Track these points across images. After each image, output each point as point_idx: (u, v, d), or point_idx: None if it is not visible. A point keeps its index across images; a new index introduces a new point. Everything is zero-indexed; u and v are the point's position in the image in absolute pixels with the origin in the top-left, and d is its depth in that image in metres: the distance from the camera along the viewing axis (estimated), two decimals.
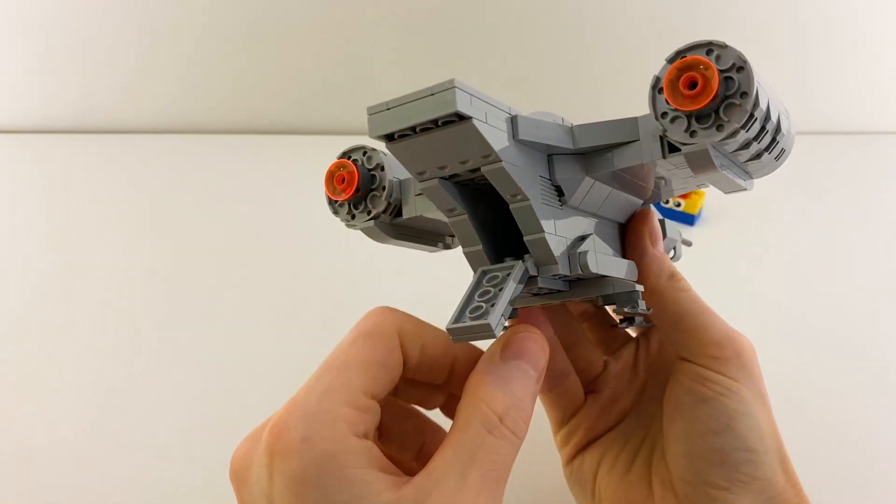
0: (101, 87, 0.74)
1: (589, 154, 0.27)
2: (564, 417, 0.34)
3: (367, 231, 0.30)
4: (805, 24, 0.71)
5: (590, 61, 0.73)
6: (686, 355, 0.29)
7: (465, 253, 0.26)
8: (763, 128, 0.25)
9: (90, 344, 0.49)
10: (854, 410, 0.44)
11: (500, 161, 0.23)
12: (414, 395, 0.29)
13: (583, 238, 0.27)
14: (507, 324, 0.23)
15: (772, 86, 0.26)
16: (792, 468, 0.29)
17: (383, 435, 0.28)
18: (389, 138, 0.23)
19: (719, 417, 0.28)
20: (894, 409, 0.44)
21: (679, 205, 0.60)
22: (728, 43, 0.23)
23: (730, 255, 0.58)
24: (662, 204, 0.61)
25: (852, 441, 0.42)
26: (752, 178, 0.29)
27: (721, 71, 0.23)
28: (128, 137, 0.74)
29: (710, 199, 0.63)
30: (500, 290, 0.23)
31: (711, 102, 0.23)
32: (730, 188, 0.28)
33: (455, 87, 0.22)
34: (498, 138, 0.23)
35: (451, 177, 0.24)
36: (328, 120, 0.75)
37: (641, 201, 0.31)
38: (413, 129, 0.22)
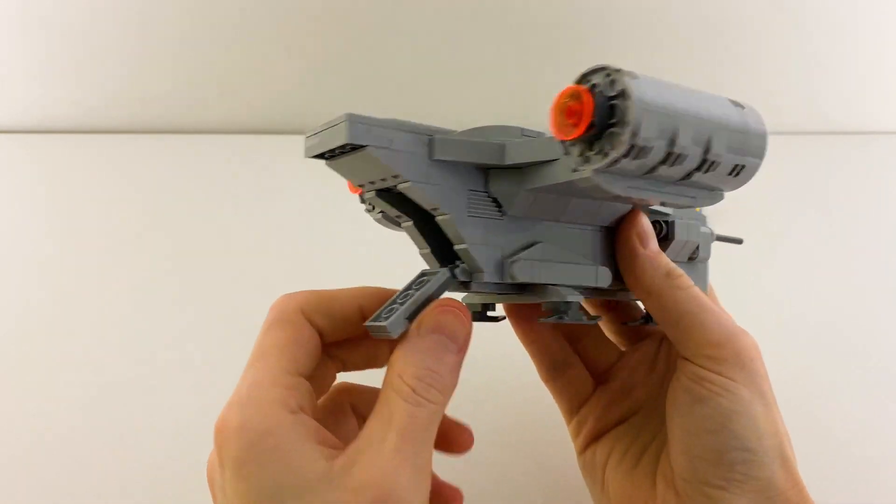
0: (101, 87, 0.74)
1: (525, 168, 0.27)
2: (572, 407, 0.35)
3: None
4: (805, 25, 0.71)
5: (589, 60, 0.73)
6: (685, 354, 0.29)
7: (420, 255, 0.29)
8: (670, 153, 0.24)
9: (90, 344, 0.49)
10: (855, 409, 0.44)
11: (408, 181, 0.26)
12: (359, 356, 0.30)
13: (529, 245, 0.28)
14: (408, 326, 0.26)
15: (709, 106, 0.25)
16: (794, 468, 0.28)
17: (330, 410, 0.30)
18: (322, 157, 0.26)
19: (715, 417, 0.28)
20: (894, 406, 0.44)
21: None
22: (624, 68, 0.24)
23: (729, 255, 0.58)
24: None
25: (852, 441, 0.42)
26: (716, 191, 0.29)
27: (607, 98, 0.23)
28: (128, 137, 0.74)
29: None
30: (417, 293, 0.26)
31: (588, 131, 0.23)
32: (679, 205, 0.28)
33: (346, 120, 0.25)
34: (406, 161, 0.26)
35: (388, 189, 0.27)
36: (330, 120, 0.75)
37: (629, 205, 0.31)
38: (333, 152, 0.26)
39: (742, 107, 0.27)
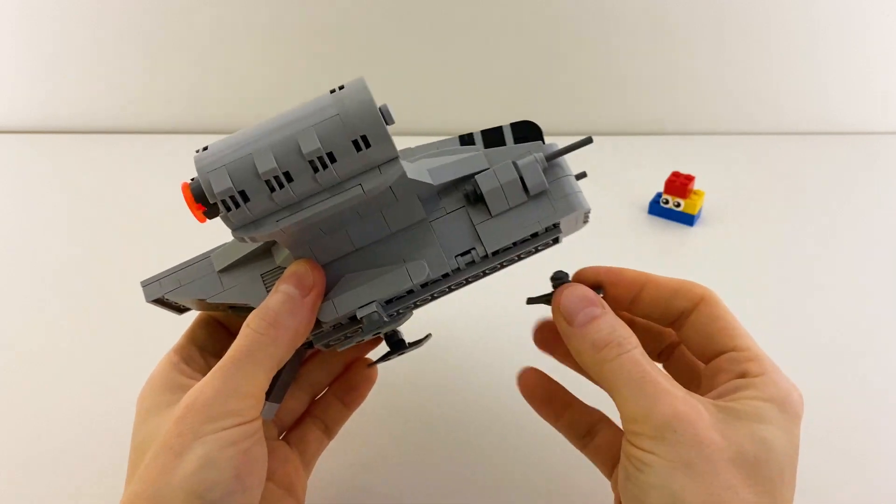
0: (101, 87, 0.74)
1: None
2: (608, 468, 0.34)
3: None
4: (806, 26, 0.71)
5: (589, 60, 0.73)
6: (623, 427, 0.28)
7: None
8: (268, 181, 0.27)
9: (91, 344, 0.49)
10: (854, 410, 0.44)
11: (209, 300, 0.32)
12: None
13: (334, 285, 0.31)
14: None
15: (287, 122, 0.27)
16: None
17: None
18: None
19: (636, 494, 0.27)
20: (894, 408, 0.44)
21: (679, 205, 0.60)
22: (200, 149, 0.28)
23: (729, 255, 0.58)
24: (662, 204, 0.61)
25: (853, 441, 0.42)
26: (380, 165, 0.28)
27: (191, 184, 0.28)
28: (128, 137, 0.74)
29: (710, 199, 0.63)
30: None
31: (208, 210, 0.28)
32: (351, 199, 0.28)
33: (142, 286, 0.33)
34: (201, 285, 0.32)
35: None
36: None
37: (416, 202, 0.30)
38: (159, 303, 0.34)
39: (342, 88, 0.27)
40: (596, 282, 0.32)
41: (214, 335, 0.35)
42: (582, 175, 0.32)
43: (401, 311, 0.32)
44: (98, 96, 0.74)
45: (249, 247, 0.32)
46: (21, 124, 0.75)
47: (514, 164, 0.30)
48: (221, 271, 0.32)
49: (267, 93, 0.75)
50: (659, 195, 0.61)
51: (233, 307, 0.33)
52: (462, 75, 0.73)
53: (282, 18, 0.70)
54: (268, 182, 0.27)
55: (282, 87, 0.74)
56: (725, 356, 0.30)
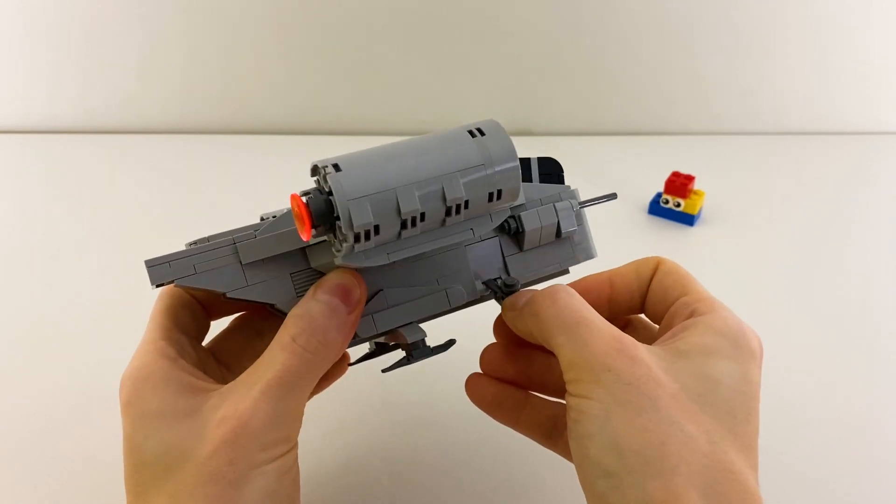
0: (101, 87, 0.74)
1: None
2: (550, 443, 0.33)
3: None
4: (806, 26, 0.71)
5: (589, 60, 0.73)
6: (564, 378, 0.27)
7: None
8: (404, 220, 0.26)
9: (90, 344, 0.49)
10: (854, 408, 0.44)
11: (225, 293, 0.28)
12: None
13: (371, 298, 0.30)
14: None
15: (433, 160, 0.26)
16: (689, 480, 0.23)
17: (236, 359, 0.32)
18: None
19: (579, 449, 0.25)
20: (894, 406, 0.44)
21: (679, 205, 0.60)
22: (333, 162, 0.25)
23: (729, 255, 0.58)
24: (662, 204, 0.61)
25: (853, 441, 0.42)
26: (493, 214, 0.29)
27: (325, 196, 0.25)
28: (127, 138, 0.74)
29: (711, 199, 0.63)
30: None
31: (317, 229, 0.25)
32: (458, 242, 0.29)
33: (147, 267, 0.28)
34: (218, 276, 0.28)
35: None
36: (331, 121, 0.75)
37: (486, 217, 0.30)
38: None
39: (483, 133, 0.27)
40: None
41: (197, 318, 0.32)
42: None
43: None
44: (98, 96, 0.74)
45: (288, 245, 0.29)
46: (21, 124, 0.75)
47: (555, 208, 0.32)
48: (248, 264, 0.28)
49: (267, 93, 0.75)
50: (659, 195, 0.61)
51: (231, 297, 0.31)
52: (462, 75, 0.73)
53: (282, 19, 0.70)
54: (404, 221, 0.26)
55: (282, 87, 0.74)
56: (676, 303, 0.29)
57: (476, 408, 0.33)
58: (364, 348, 0.36)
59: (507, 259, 0.32)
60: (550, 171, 0.34)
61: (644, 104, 0.75)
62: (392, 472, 0.40)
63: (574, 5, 0.69)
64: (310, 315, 0.27)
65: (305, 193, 0.25)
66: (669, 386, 0.25)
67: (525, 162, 0.33)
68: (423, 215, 0.26)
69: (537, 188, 0.33)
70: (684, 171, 0.61)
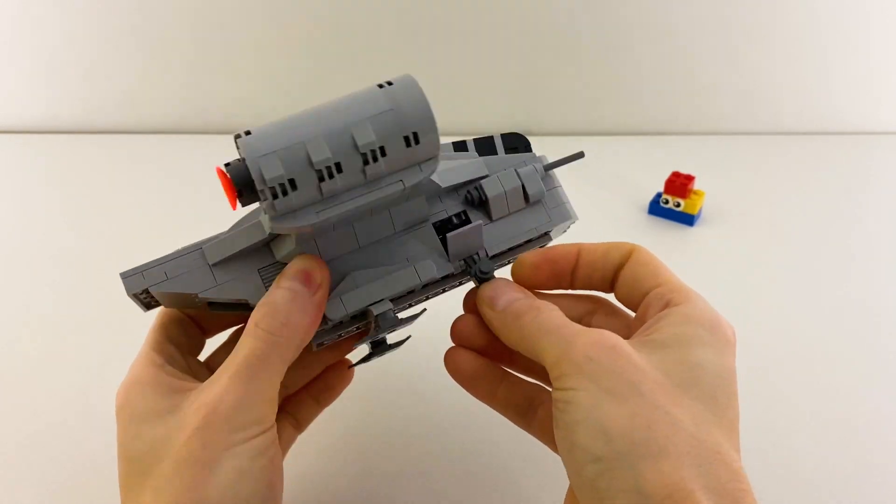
0: (101, 87, 0.74)
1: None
2: (524, 423, 0.33)
3: None
4: (806, 25, 0.71)
5: (589, 60, 0.73)
6: (550, 376, 0.27)
7: None
8: (319, 171, 0.26)
9: (90, 344, 0.49)
10: (854, 408, 0.44)
11: (201, 295, 0.30)
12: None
13: (339, 283, 0.30)
14: None
15: (340, 113, 0.27)
16: (681, 462, 0.23)
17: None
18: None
19: (564, 438, 0.25)
20: (894, 408, 0.44)
21: (679, 205, 0.60)
22: (246, 131, 0.27)
23: (729, 256, 0.58)
24: (662, 204, 0.61)
25: (853, 442, 0.42)
26: (422, 163, 0.28)
27: (241, 163, 0.26)
28: (127, 138, 0.74)
29: (710, 199, 0.63)
30: None
31: (243, 197, 0.27)
32: (393, 193, 0.28)
33: (122, 278, 0.29)
34: (189, 279, 0.30)
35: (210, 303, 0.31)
36: None
37: (422, 202, 0.31)
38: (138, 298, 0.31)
39: (391, 84, 0.27)
40: (532, 270, 0.32)
41: (189, 332, 0.33)
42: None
43: (396, 310, 0.32)
44: (98, 96, 0.74)
45: (250, 240, 0.30)
46: (21, 124, 0.75)
47: (517, 171, 0.32)
48: (215, 265, 0.30)
49: (267, 93, 0.75)
50: (659, 195, 0.61)
51: (212, 304, 0.32)
52: (462, 75, 0.73)
53: (283, 19, 0.70)
54: (319, 172, 0.26)
55: (282, 87, 0.74)
56: (651, 294, 0.29)
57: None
58: (364, 350, 0.36)
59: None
60: (516, 144, 0.34)
61: (644, 104, 0.75)
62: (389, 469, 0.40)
63: (574, 6, 0.69)
64: (272, 301, 0.28)
65: (227, 164, 0.27)
66: (652, 373, 0.25)
67: (488, 139, 0.33)
68: (339, 166, 0.26)
69: (502, 159, 0.33)
70: (684, 171, 0.61)
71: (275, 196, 0.26)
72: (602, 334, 0.26)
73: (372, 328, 0.31)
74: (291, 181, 0.26)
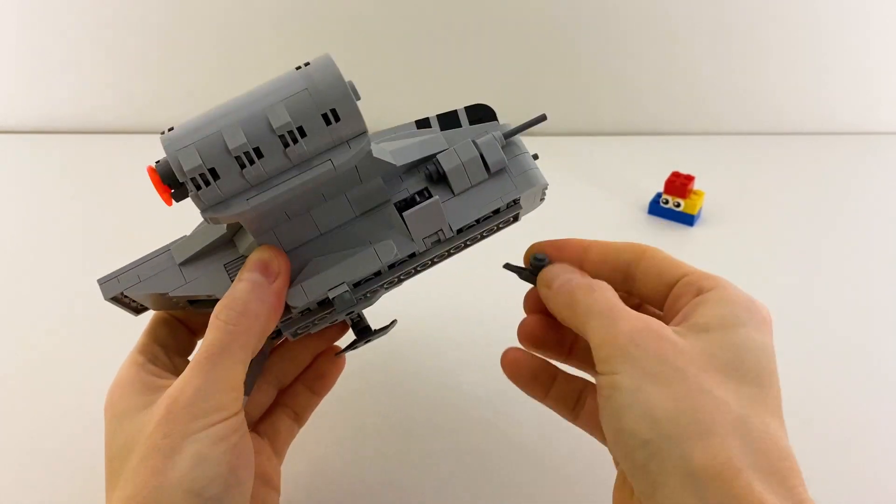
0: (101, 87, 0.74)
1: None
2: (572, 416, 0.34)
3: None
4: (805, 25, 0.71)
5: (589, 60, 0.73)
6: (594, 358, 0.28)
7: None
8: (238, 157, 0.26)
9: (90, 344, 0.49)
10: (854, 411, 0.44)
11: (171, 294, 0.31)
12: None
13: (300, 271, 0.30)
14: None
15: (254, 98, 0.27)
16: (728, 441, 0.24)
17: None
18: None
19: (613, 423, 0.26)
20: (892, 408, 0.44)
21: (679, 205, 0.60)
22: (168, 129, 0.27)
23: (729, 256, 0.58)
24: (662, 204, 0.61)
25: (853, 443, 0.42)
26: (348, 141, 0.28)
27: (157, 167, 0.28)
28: (127, 138, 0.74)
29: (710, 199, 0.63)
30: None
31: (176, 193, 0.28)
32: (323, 174, 0.28)
33: (99, 284, 0.31)
34: (160, 279, 0.31)
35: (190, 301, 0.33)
36: None
37: (378, 184, 0.30)
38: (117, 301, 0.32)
39: (307, 64, 0.28)
40: (540, 251, 0.33)
41: (176, 333, 0.34)
42: (534, 157, 0.33)
43: (368, 294, 0.32)
44: (98, 96, 0.74)
45: (210, 237, 0.31)
46: (21, 124, 0.75)
47: (474, 142, 0.31)
48: (183, 264, 0.31)
49: None
50: (659, 195, 0.61)
51: (192, 302, 0.33)
52: (461, 75, 0.73)
53: (282, 18, 0.70)
54: (238, 158, 0.26)
55: None
56: (679, 283, 0.30)
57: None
58: (351, 337, 0.36)
59: (443, 205, 0.30)
60: (481, 115, 0.33)
61: (643, 104, 0.75)
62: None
63: (574, 5, 0.69)
64: (232, 293, 0.28)
65: (158, 162, 0.27)
66: (696, 357, 0.26)
67: (451, 113, 0.33)
68: (258, 150, 0.26)
69: (463, 131, 0.32)
70: (684, 171, 0.61)
71: (198, 187, 0.26)
72: (647, 320, 0.27)
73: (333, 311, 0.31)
74: (213, 170, 0.26)
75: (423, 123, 0.33)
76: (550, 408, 0.34)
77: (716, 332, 0.27)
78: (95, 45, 0.72)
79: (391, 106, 0.75)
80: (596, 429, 0.32)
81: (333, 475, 0.40)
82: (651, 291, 0.31)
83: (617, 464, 0.29)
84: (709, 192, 0.62)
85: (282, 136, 0.26)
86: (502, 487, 0.40)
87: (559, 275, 0.31)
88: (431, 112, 0.33)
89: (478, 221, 0.32)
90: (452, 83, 0.73)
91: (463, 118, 0.33)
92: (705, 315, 0.27)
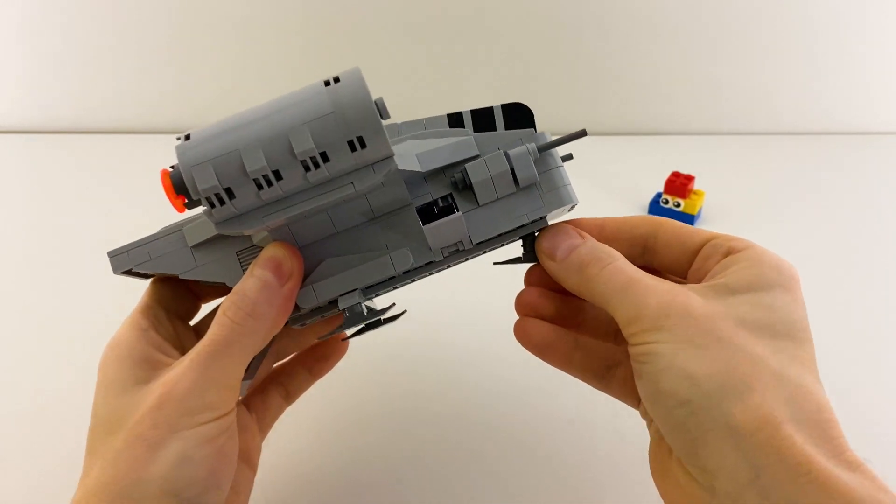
0: (101, 87, 0.74)
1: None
2: (634, 400, 0.32)
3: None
4: (805, 26, 0.71)
5: (589, 60, 0.73)
6: (624, 335, 0.28)
7: None
8: (256, 179, 0.26)
9: (91, 344, 0.49)
10: (854, 408, 0.44)
11: (179, 275, 0.30)
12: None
13: (313, 269, 0.29)
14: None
15: (277, 118, 0.26)
16: (772, 398, 0.24)
17: None
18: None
19: (649, 388, 0.26)
20: (894, 410, 0.44)
21: (679, 205, 0.60)
22: (184, 136, 0.26)
23: None
24: (662, 204, 0.61)
25: (852, 443, 0.42)
26: (375, 164, 0.27)
27: (171, 174, 0.27)
28: (127, 138, 0.74)
29: (710, 199, 0.63)
30: None
31: (187, 202, 0.27)
32: (343, 197, 0.27)
33: (109, 257, 0.31)
34: (172, 260, 0.30)
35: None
36: None
37: (403, 190, 0.29)
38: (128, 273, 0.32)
39: (337, 80, 0.26)
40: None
41: (178, 295, 0.33)
42: (568, 157, 0.32)
43: (379, 294, 0.31)
44: (98, 96, 0.74)
45: None
46: (21, 124, 0.75)
47: (506, 154, 0.30)
48: (195, 246, 0.30)
49: (267, 92, 0.74)
50: (659, 195, 0.61)
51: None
52: (461, 75, 0.73)
53: (282, 18, 0.70)
54: (256, 180, 0.25)
55: (281, 86, 0.74)
56: (707, 246, 0.30)
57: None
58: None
59: (465, 216, 0.29)
60: (518, 117, 0.32)
61: (644, 104, 0.75)
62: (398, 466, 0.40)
63: (574, 5, 0.69)
64: (242, 290, 0.28)
65: (173, 167, 0.26)
66: (728, 320, 0.26)
67: (487, 111, 0.32)
68: (277, 173, 0.26)
69: (497, 136, 0.31)
70: (684, 171, 0.61)
71: (212, 205, 0.26)
72: (673, 289, 0.27)
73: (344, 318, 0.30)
74: (228, 190, 0.26)
75: (455, 118, 0.32)
76: (575, 376, 0.33)
77: (746, 291, 0.27)
78: (96, 45, 0.72)
79: (393, 104, 0.75)
80: (629, 395, 0.32)
81: (321, 469, 0.40)
82: (673, 261, 0.31)
83: (650, 424, 0.29)
84: (709, 192, 0.62)
85: (304, 163, 0.26)
86: (502, 486, 0.40)
87: (559, 243, 0.30)
88: (430, 110, 0.33)
89: (499, 235, 0.30)
90: (452, 83, 0.73)
91: (499, 119, 0.32)
92: (735, 276, 0.27)
